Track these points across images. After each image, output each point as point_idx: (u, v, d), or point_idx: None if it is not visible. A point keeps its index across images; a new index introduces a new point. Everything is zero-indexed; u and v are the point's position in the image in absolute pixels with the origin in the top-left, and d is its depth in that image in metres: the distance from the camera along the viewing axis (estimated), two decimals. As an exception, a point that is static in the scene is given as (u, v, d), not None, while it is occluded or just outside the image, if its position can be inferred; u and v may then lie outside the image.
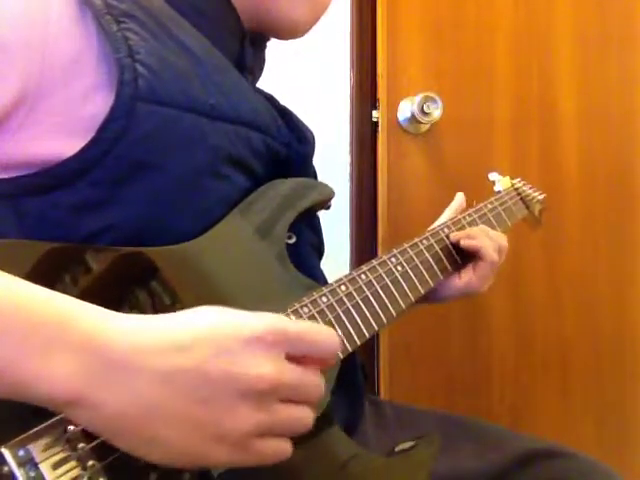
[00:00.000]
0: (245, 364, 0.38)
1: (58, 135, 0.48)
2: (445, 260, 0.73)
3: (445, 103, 1.20)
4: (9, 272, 0.39)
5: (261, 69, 0.74)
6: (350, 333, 0.57)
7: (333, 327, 0.55)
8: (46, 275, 0.44)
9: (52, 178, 0.48)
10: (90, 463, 0.39)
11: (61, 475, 0.37)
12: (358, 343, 0.57)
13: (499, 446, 0.71)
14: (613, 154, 1.40)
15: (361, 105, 1.27)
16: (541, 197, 0.97)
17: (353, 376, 0.67)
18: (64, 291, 0.39)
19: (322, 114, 1.22)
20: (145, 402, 0.37)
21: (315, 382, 0.42)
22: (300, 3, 0.68)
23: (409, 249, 0.68)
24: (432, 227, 0.76)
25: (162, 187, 0.51)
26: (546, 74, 1.34)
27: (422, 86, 1.23)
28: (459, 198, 0.88)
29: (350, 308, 0.58)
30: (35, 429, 0.37)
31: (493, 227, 0.81)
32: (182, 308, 0.41)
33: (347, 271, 0.60)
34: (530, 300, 1.32)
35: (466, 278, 0.76)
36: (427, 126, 1.24)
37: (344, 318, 0.57)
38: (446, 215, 0.86)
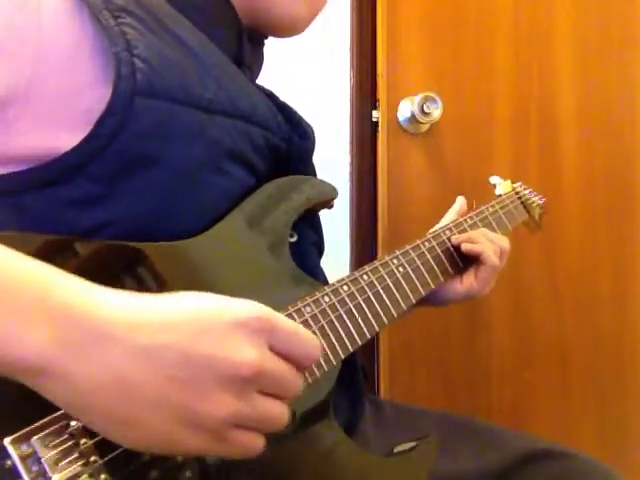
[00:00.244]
0: (229, 348, 0.37)
1: (54, 128, 0.48)
2: (446, 262, 0.73)
3: (445, 103, 1.20)
4: None
5: (260, 66, 0.74)
6: (352, 333, 0.57)
7: (335, 326, 0.55)
8: None
9: (50, 173, 0.48)
10: (92, 459, 0.38)
11: (63, 470, 0.37)
12: (359, 343, 0.57)
13: (499, 446, 0.71)
14: (613, 154, 1.40)
15: (361, 105, 1.27)
16: (541, 201, 0.97)
17: (353, 376, 0.67)
18: None
19: (322, 114, 1.22)
20: (121, 377, 0.35)
21: (296, 378, 0.41)
22: (297, 0, 0.68)
23: (411, 250, 0.68)
24: (434, 229, 0.76)
25: (162, 182, 0.51)
26: (546, 74, 1.34)
27: (422, 86, 1.23)
28: (460, 201, 0.88)
29: (352, 308, 0.58)
30: (38, 423, 0.37)
31: (494, 230, 0.82)
32: None
33: (347, 271, 0.60)
34: (530, 300, 1.32)
35: (467, 282, 0.76)
36: (427, 126, 1.24)
37: (346, 318, 0.57)
38: (448, 218, 0.86)
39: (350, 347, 0.56)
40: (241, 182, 0.58)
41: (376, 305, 0.60)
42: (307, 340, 0.42)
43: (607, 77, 1.39)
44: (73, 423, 0.38)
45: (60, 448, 0.37)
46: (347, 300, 0.58)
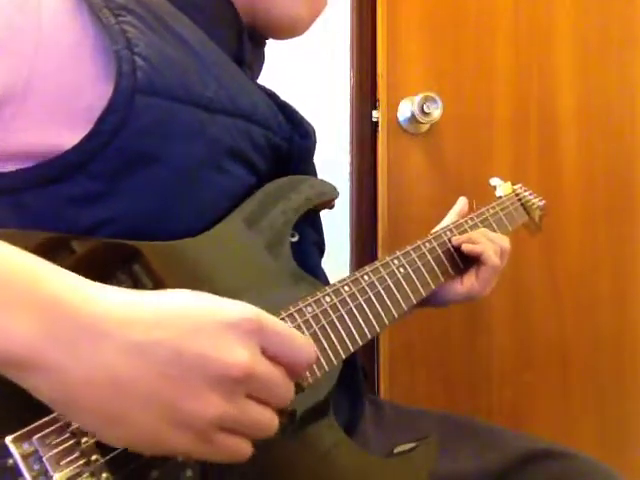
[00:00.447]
0: (220, 348, 0.37)
1: (55, 126, 0.48)
2: (447, 263, 0.73)
3: (445, 103, 1.20)
4: None
5: (260, 66, 0.74)
6: (353, 333, 0.57)
7: (336, 326, 0.55)
8: None
9: (51, 171, 0.48)
10: (94, 458, 0.38)
11: (65, 469, 0.37)
12: (360, 343, 0.57)
13: (499, 446, 0.71)
14: (613, 154, 1.40)
15: (361, 105, 1.27)
16: (541, 203, 0.98)
17: (353, 376, 0.67)
18: None
19: (322, 114, 1.22)
20: (110, 372, 0.35)
21: (286, 384, 0.41)
22: (298, 1, 0.68)
23: (412, 251, 0.68)
24: (434, 230, 0.76)
25: (162, 180, 0.51)
26: (546, 74, 1.34)
27: (422, 86, 1.23)
28: (461, 202, 0.88)
29: (353, 308, 0.58)
30: (40, 421, 0.37)
31: (494, 232, 0.82)
32: None
33: (347, 271, 0.60)
34: (530, 300, 1.32)
35: (468, 283, 0.76)
36: (427, 126, 1.24)
37: (347, 318, 0.57)
38: (449, 218, 0.86)
39: (351, 347, 0.56)
40: (241, 181, 0.58)
41: (377, 305, 0.60)
42: (301, 345, 0.41)
43: (607, 77, 1.39)
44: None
45: (61, 447, 0.37)
46: (348, 300, 0.58)
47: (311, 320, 0.53)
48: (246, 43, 0.67)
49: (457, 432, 0.74)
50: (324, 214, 0.68)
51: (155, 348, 0.36)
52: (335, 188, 0.66)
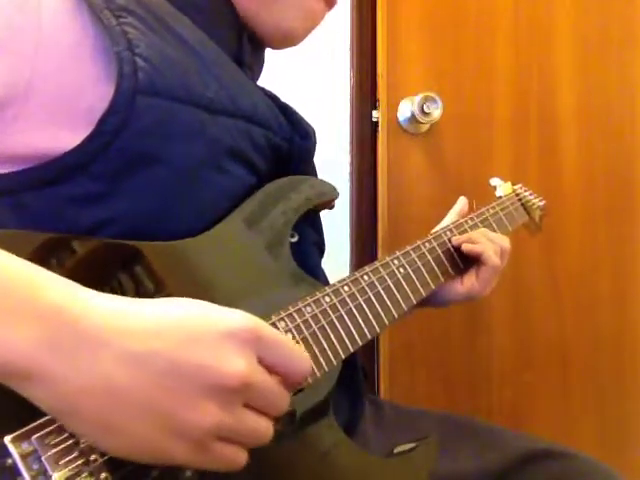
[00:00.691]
0: (218, 358, 0.37)
1: (56, 128, 0.48)
2: (447, 263, 0.73)
3: (445, 103, 1.20)
4: None
5: (260, 68, 0.74)
6: (352, 333, 0.57)
7: (336, 327, 0.55)
8: (37, 264, 0.43)
9: (52, 172, 0.48)
10: (93, 457, 0.38)
11: (64, 469, 0.37)
12: (360, 343, 0.57)
13: (499, 446, 0.71)
14: (613, 154, 1.40)
15: (361, 105, 1.27)
16: (541, 203, 0.98)
17: (353, 376, 0.67)
18: None
19: (322, 114, 1.22)
20: (107, 382, 0.35)
21: (283, 394, 0.41)
22: (292, 13, 0.67)
23: (411, 251, 0.68)
24: (434, 230, 0.76)
25: (163, 180, 0.51)
26: (546, 74, 1.34)
27: (422, 86, 1.23)
28: (461, 202, 0.88)
29: (353, 308, 0.58)
30: (39, 421, 0.37)
31: (494, 232, 0.82)
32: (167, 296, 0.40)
33: (347, 271, 0.60)
34: (530, 300, 1.32)
35: (468, 283, 0.76)
36: (427, 126, 1.24)
37: (347, 318, 0.57)
38: (449, 218, 0.86)
39: (351, 347, 0.56)
40: (242, 181, 0.58)
41: (377, 306, 0.60)
42: (298, 355, 0.42)
43: (607, 77, 1.39)
44: None
45: (60, 446, 0.37)
46: (348, 300, 0.58)
47: (310, 320, 0.53)
48: (245, 45, 0.67)
49: (457, 432, 0.74)
50: (324, 214, 0.68)
51: (153, 358, 0.36)
52: (335, 188, 0.66)
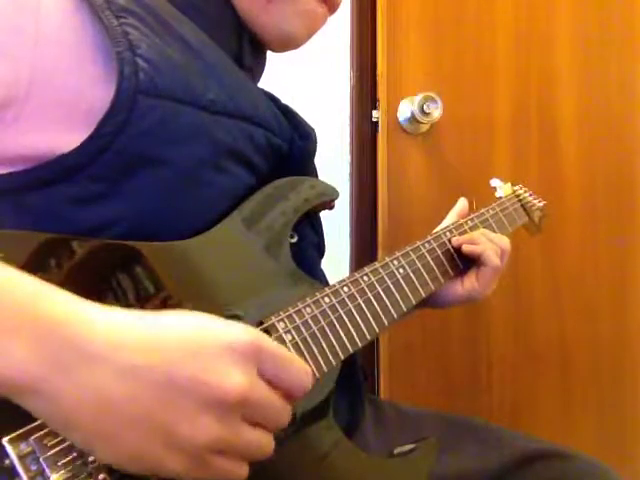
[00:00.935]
0: (217, 372, 0.37)
1: (56, 128, 0.48)
2: (447, 264, 0.73)
3: (445, 103, 1.20)
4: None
5: (262, 70, 0.74)
6: (352, 334, 0.57)
7: (335, 327, 0.55)
8: (36, 265, 0.43)
9: (52, 172, 0.48)
10: (91, 458, 0.38)
11: (62, 470, 0.37)
12: (359, 344, 0.57)
13: (499, 446, 0.71)
14: (613, 153, 1.40)
15: (361, 105, 1.27)
16: (541, 204, 0.97)
17: (353, 377, 0.67)
18: (50, 281, 0.38)
19: (322, 114, 1.22)
20: (107, 396, 0.35)
21: (283, 408, 0.41)
22: (292, 17, 0.67)
23: (411, 252, 0.68)
24: (435, 231, 0.76)
25: (163, 180, 0.51)
26: (546, 74, 1.34)
27: (422, 86, 1.23)
28: (462, 202, 0.88)
29: (352, 309, 0.58)
30: (37, 422, 0.37)
31: (494, 232, 0.81)
32: (168, 298, 0.40)
33: (347, 271, 0.60)
34: (530, 300, 1.32)
35: (469, 285, 0.76)
36: (427, 126, 1.24)
37: (346, 319, 0.57)
38: (449, 219, 0.86)
39: (350, 348, 0.56)
40: (242, 181, 0.58)
41: (376, 306, 0.60)
42: (298, 369, 0.41)
43: (607, 77, 1.39)
44: None
45: (59, 447, 0.37)
46: (347, 301, 0.58)
47: (310, 321, 0.53)
48: (246, 47, 0.67)
49: (457, 432, 0.73)
50: (324, 214, 0.68)
51: (152, 371, 0.36)
52: (335, 189, 0.66)
